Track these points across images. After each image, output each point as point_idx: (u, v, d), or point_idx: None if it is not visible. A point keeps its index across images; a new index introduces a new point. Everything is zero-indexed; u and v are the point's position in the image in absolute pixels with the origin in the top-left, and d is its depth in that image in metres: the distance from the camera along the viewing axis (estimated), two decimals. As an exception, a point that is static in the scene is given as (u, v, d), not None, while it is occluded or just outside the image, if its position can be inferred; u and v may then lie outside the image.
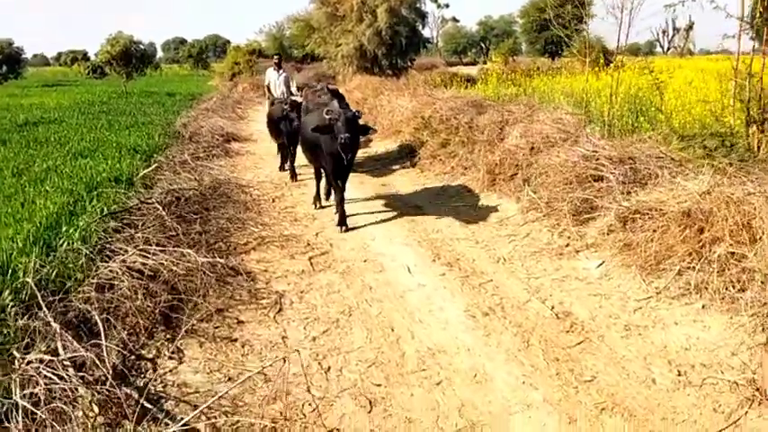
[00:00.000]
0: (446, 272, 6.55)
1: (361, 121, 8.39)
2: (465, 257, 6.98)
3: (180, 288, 5.67)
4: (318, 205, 9.28)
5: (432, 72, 29.65)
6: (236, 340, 5.04)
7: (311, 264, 6.86)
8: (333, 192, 8.93)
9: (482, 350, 4.87)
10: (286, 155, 11.88)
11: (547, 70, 27.77)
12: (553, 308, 5.55)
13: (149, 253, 6.02)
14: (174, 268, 5.80)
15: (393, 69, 27.72)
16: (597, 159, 8.02)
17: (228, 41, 71.54)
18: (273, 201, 9.63)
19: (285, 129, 11.16)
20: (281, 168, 12.12)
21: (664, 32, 61.82)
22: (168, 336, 5.02)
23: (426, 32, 31.68)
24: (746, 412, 3.89)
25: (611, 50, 13.28)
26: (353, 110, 8.16)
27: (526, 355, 4.74)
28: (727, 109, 10.01)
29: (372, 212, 8.90)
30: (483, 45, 70.46)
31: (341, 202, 8.33)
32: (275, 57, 14.63)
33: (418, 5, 28.34)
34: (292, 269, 6.68)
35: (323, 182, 9.44)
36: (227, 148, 14.25)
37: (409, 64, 29.27)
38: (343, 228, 8.11)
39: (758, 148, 8.38)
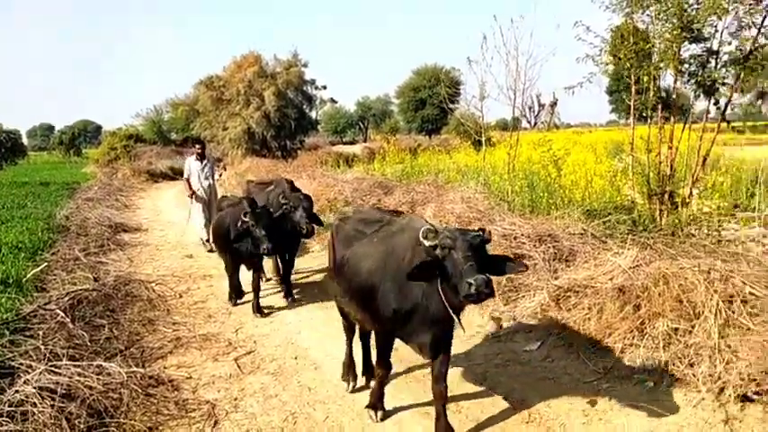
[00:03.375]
0: (386, 363, 6.23)
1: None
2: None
3: (99, 407, 5.03)
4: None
5: (317, 152, 29.84)
6: (175, 464, 4.48)
7: (238, 366, 6.35)
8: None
9: (448, 452, 4.57)
10: (237, 283, 8.63)
11: (427, 147, 28.59)
12: (506, 397, 5.35)
13: (60, 368, 5.36)
14: (92, 384, 5.17)
15: (283, 151, 27.70)
16: (516, 238, 8.09)
17: (100, 127, 69.45)
18: (180, 296, 9.00)
19: (246, 250, 7.97)
20: (234, 302, 8.54)
21: (530, 108, 65.61)
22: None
23: (312, 114, 32.03)
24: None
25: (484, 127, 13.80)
26: (477, 230, 4.35)
27: (495, 453, 4.48)
28: (626, 182, 10.50)
29: (294, 305, 8.48)
30: (361, 124, 71.97)
31: (443, 404, 4.74)
32: (197, 145, 12.71)
33: (305, 88, 28.68)
34: (218, 373, 6.15)
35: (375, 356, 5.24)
36: (119, 239, 13.36)
37: (299, 145, 29.38)
38: None
39: (660, 219, 8.78)
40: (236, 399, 5.57)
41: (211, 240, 10.82)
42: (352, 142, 61.09)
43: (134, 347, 6.68)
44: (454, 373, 5.88)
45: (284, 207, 8.18)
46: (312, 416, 5.21)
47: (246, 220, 7.64)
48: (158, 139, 43.04)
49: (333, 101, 61.52)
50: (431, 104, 45.47)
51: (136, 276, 9.51)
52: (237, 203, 8.53)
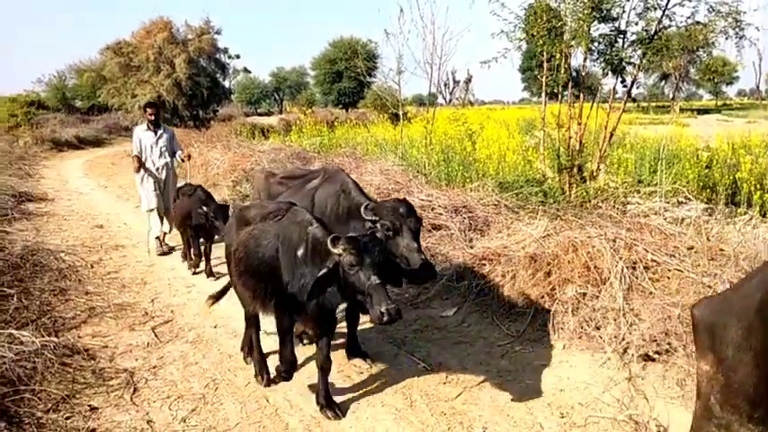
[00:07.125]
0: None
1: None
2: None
3: (11, 376, 4.88)
4: None
5: (231, 123, 29.29)
6: (94, 431, 4.42)
7: (156, 335, 6.27)
8: None
9: (368, 413, 4.69)
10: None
11: (344, 121, 28.56)
12: (424, 360, 5.53)
13: (-33, 338, 5.16)
14: (4, 353, 5.01)
15: (195, 121, 27.03)
16: (433, 209, 8.28)
17: (-4, 92, 65.39)
18: (92, 266, 8.73)
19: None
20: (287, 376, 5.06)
21: (445, 85, 66.16)
22: (9, 435, 4.28)
23: (225, 84, 31.38)
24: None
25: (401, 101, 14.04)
26: None
27: (414, 413, 4.64)
28: (538, 156, 10.86)
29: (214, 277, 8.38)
30: (277, 96, 70.99)
31: None
32: (148, 109, 9.53)
33: (218, 56, 28.00)
34: (135, 342, 6.06)
35: None
36: (24, 209, 12.77)
37: (212, 115, 28.73)
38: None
39: (569, 191, 9.17)
40: (154, 367, 5.52)
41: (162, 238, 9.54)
42: (268, 114, 60.12)
43: (46, 317, 6.45)
44: (369, 337, 6.03)
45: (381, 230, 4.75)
46: (234, 382, 5.23)
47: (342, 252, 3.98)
48: (62, 107, 41.04)
49: (246, 70, 60.33)
50: (348, 77, 45.13)
51: (44, 246, 9.15)
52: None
